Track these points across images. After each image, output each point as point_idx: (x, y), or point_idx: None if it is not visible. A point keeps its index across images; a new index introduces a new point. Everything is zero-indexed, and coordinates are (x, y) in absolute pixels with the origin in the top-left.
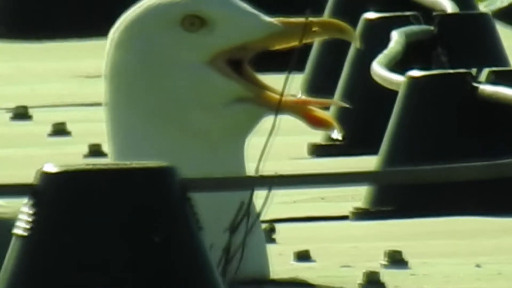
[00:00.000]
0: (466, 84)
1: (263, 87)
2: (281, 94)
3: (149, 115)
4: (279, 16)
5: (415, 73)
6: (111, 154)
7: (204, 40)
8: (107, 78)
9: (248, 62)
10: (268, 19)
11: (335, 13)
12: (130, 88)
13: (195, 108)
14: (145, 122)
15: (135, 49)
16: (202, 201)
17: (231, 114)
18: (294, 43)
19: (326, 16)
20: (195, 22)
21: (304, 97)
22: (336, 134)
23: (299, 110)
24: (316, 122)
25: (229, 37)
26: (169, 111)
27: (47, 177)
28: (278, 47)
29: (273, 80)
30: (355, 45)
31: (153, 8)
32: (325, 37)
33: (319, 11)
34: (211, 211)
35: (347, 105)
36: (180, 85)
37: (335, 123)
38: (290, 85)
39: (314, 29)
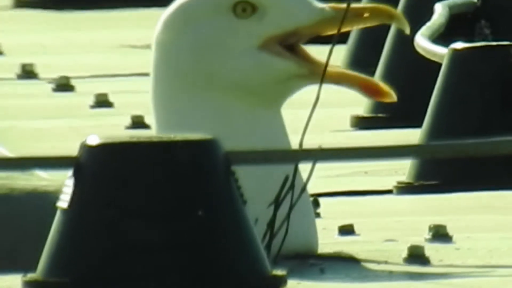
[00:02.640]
0: (509, 56)
1: (317, 63)
2: (325, 67)
3: (194, 93)
4: (327, 2)
5: (458, 45)
6: (154, 126)
7: (256, 26)
8: (156, 55)
9: (301, 44)
10: (319, 4)
11: None
12: (179, 68)
13: (246, 92)
14: (189, 97)
15: (185, 32)
16: (246, 174)
17: (283, 88)
18: (345, 29)
19: None
20: (246, 8)
21: (356, 73)
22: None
23: (352, 80)
24: (371, 91)
25: (280, 23)
26: (215, 94)
27: (90, 149)
28: (329, 32)
29: (317, 51)
30: (405, 31)
31: None
32: (375, 23)
33: None
34: (255, 185)
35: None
36: (231, 70)
37: (391, 91)
38: (334, 58)
39: (365, 15)
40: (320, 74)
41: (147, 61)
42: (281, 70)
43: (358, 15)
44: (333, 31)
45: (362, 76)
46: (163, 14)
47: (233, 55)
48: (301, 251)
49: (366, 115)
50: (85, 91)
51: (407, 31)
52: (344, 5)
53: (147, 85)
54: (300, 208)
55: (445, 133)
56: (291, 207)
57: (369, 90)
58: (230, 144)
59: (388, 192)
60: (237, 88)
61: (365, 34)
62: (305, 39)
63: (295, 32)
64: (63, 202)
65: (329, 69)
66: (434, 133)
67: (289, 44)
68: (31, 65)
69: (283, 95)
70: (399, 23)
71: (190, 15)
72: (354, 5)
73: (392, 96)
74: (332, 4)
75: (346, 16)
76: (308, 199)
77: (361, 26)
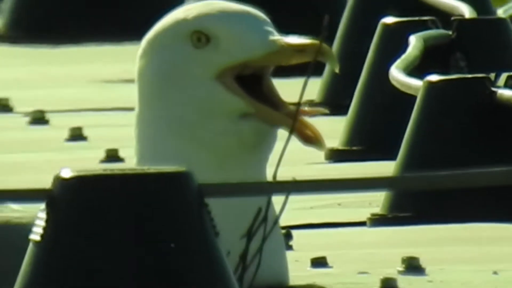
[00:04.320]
0: (484, 88)
1: (276, 102)
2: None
3: (161, 125)
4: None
5: (433, 77)
6: (136, 158)
7: (210, 56)
8: (136, 83)
9: (268, 75)
10: (271, 37)
11: (353, 18)
12: (148, 95)
13: (202, 121)
14: (157, 131)
15: (154, 60)
16: (218, 206)
17: (237, 129)
18: (293, 62)
19: (343, 23)
20: (201, 38)
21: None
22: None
23: (289, 126)
24: (305, 138)
25: (231, 54)
26: (179, 124)
27: (63, 182)
28: (277, 65)
29: (293, 84)
30: (335, 70)
31: (170, 22)
32: (307, 59)
33: (337, 16)
34: (228, 217)
35: (326, 111)
36: (189, 99)
37: (322, 140)
38: (308, 89)
39: (300, 50)
40: (265, 115)
41: (121, 95)
42: (230, 105)
43: (293, 50)
44: (283, 63)
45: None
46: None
47: (190, 83)
48: (273, 284)
49: (340, 147)
50: (60, 125)
51: (337, 69)
52: (297, 41)
53: (121, 119)
54: (271, 241)
55: (419, 165)
56: (263, 240)
57: (302, 136)
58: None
59: (362, 224)
60: (195, 119)
61: (340, 66)
62: (263, 71)
63: (245, 64)
64: (36, 234)
65: (270, 110)
66: (408, 165)
67: (257, 78)
68: (6, 99)
69: (242, 139)
70: (329, 61)
71: (157, 43)
72: (291, 41)
73: (323, 145)
74: (288, 38)
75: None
76: (279, 231)
77: (297, 62)
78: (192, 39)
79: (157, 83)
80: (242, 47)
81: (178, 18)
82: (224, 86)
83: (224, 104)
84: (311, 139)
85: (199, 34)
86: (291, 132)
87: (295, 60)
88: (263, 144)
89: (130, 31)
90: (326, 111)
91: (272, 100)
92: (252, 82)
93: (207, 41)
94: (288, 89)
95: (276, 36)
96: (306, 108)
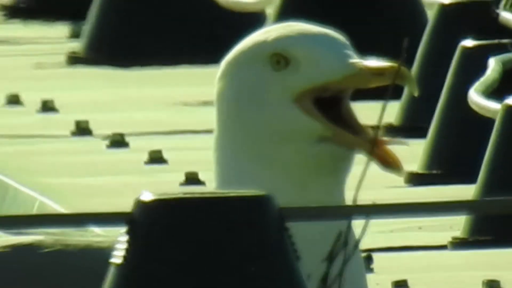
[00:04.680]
0: None
1: (354, 126)
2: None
3: (241, 148)
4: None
5: None
6: (215, 181)
7: (289, 78)
8: (215, 106)
9: (347, 98)
10: (350, 60)
11: (432, 40)
12: (226, 119)
13: (282, 146)
14: (237, 154)
15: (232, 82)
16: (299, 230)
17: (315, 153)
18: (372, 85)
19: (423, 46)
20: (280, 61)
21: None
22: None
23: (368, 151)
24: (385, 163)
25: (310, 77)
26: (259, 146)
27: (144, 205)
28: (357, 88)
29: (371, 108)
30: (414, 94)
31: (250, 44)
32: (387, 83)
33: (416, 41)
34: (308, 241)
35: (407, 144)
36: (268, 122)
37: (401, 165)
38: (387, 113)
39: (379, 74)
40: (343, 139)
41: (201, 118)
42: (308, 128)
43: (374, 74)
44: (363, 87)
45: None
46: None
47: (269, 106)
48: None
49: (420, 171)
50: (140, 148)
51: (416, 93)
52: (378, 64)
53: (201, 142)
54: (352, 264)
55: (500, 189)
56: (344, 263)
57: (381, 160)
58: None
59: (443, 247)
60: (273, 142)
61: (419, 89)
62: (342, 94)
63: (325, 87)
64: (117, 258)
65: (348, 134)
66: (488, 188)
67: (336, 101)
68: (85, 122)
69: (320, 163)
70: (408, 84)
71: (236, 65)
72: (369, 64)
73: (401, 171)
74: (368, 61)
75: (365, 74)
76: (360, 254)
77: (375, 85)
78: (271, 62)
79: (235, 106)
80: (321, 70)
81: (257, 41)
82: (302, 109)
83: (302, 128)
84: (390, 164)
85: (278, 56)
86: (370, 157)
87: (374, 83)
88: (341, 168)
89: (209, 53)
90: (407, 144)
91: (350, 124)
92: (330, 105)
93: (286, 63)
94: (366, 112)
95: (356, 59)
96: (386, 138)
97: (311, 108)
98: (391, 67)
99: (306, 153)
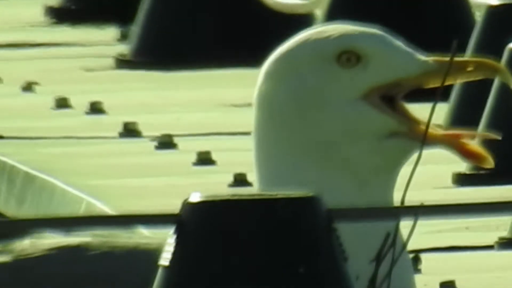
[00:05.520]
0: None
1: (416, 121)
2: (427, 126)
3: (295, 148)
4: (425, 52)
5: None
6: (257, 183)
7: (359, 76)
8: (257, 107)
9: (402, 97)
10: (422, 57)
11: (480, 43)
12: (279, 119)
13: (348, 143)
14: (292, 154)
15: (287, 81)
16: (347, 231)
17: (385, 148)
18: (448, 83)
19: (471, 46)
20: (351, 58)
21: (453, 131)
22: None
23: (452, 143)
24: (470, 155)
25: (383, 73)
26: (318, 145)
27: (192, 207)
28: (431, 85)
29: (417, 109)
30: (510, 85)
31: (310, 42)
32: (479, 77)
33: (464, 40)
34: (356, 241)
35: (497, 137)
36: (333, 120)
37: (489, 156)
38: (435, 115)
39: (468, 68)
40: (420, 133)
41: (249, 119)
42: (379, 124)
43: (461, 68)
44: (436, 84)
45: (459, 135)
46: (264, 65)
47: (335, 104)
48: None
49: (468, 172)
50: (188, 149)
51: (511, 84)
52: (447, 58)
53: (249, 143)
54: (400, 265)
55: None
56: (392, 264)
57: (467, 154)
58: (333, 204)
59: (490, 247)
60: (337, 142)
61: (467, 92)
62: (406, 90)
63: (397, 83)
64: (165, 259)
65: (429, 130)
66: None
67: (390, 97)
68: (133, 123)
69: (386, 159)
70: (504, 78)
71: (292, 64)
72: (458, 58)
73: (490, 162)
74: (436, 57)
75: (450, 69)
76: (408, 255)
77: (464, 80)
78: (340, 59)
79: (293, 106)
80: (395, 67)
81: (320, 38)
82: (372, 105)
83: (373, 123)
84: (477, 156)
85: (349, 53)
86: (453, 150)
87: (454, 80)
88: (403, 164)
89: (257, 55)
90: (499, 137)
91: (414, 119)
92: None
93: (357, 61)
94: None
95: (427, 57)
96: (468, 132)
97: (381, 104)
98: (478, 60)
99: (375, 149)
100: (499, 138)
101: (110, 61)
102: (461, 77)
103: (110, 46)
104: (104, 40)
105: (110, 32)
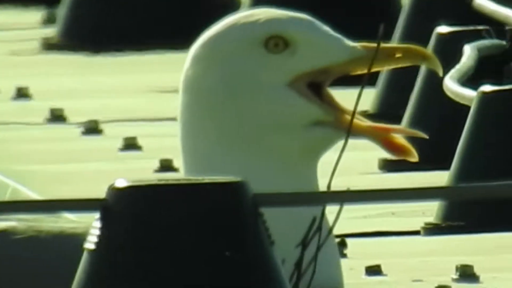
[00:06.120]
0: None
1: (342, 110)
2: (352, 116)
3: (223, 133)
4: (352, 38)
5: (487, 88)
6: (183, 169)
7: (287, 62)
8: (183, 92)
9: (328, 85)
10: (351, 43)
11: (408, 28)
12: (206, 104)
13: (273, 129)
14: (219, 139)
15: (214, 66)
16: (273, 216)
17: (310, 136)
18: (376, 69)
19: (398, 32)
20: (279, 43)
21: (380, 124)
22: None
23: (377, 135)
24: (394, 148)
25: (311, 60)
26: (245, 130)
27: (118, 192)
28: (359, 72)
29: (344, 95)
30: (438, 73)
31: (237, 27)
32: (407, 64)
33: (391, 26)
34: (283, 226)
35: (425, 136)
36: (259, 105)
37: (413, 150)
38: (362, 101)
39: (397, 55)
40: (346, 123)
41: (175, 105)
42: (306, 113)
43: (390, 55)
44: (364, 71)
45: (386, 129)
46: (191, 49)
47: (262, 90)
48: None
49: (394, 158)
50: (114, 135)
51: (440, 72)
52: (375, 44)
53: (175, 129)
54: (326, 249)
55: (473, 175)
56: (318, 248)
57: (392, 147)
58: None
59: (416, 233)
60: (263, 127)
61: (394, 77)
62: (334, 77)
63: (326, 70)
64: (90, 243)
65: (355, 120)
66: (462, 175)
67: (316, 85)
68: (60, 109)
69: (311, 147)
70: (432, 64)
71: (219, 48)
72: (386, 45)
73: (414, 156)
74: (364, 44)
75: (377, 55)
76: (333, 240)
77: (393, 66)
78: (268, 44)
79: (221, 91)
80: (323, 53)
81: (248, 23)
82: (299, 93)
83: (299, 112)
84: (402, 149)
85: (277, 39)
86: (379, 143)
87: (387, 66)
88: (325, 151)
89: (183, 39)
90: (426, 136)
91: (339, 108)
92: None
93: (285, 46)
94: (341, 99)
95: (356, 44)
96: (397, 127)
97: (308, 92)
98: (409, 48)
99: (301, 137)
100: (426, 137)
101: (36, 45)
102: (390, 63)
103: (35, 29)
104: (30, 22)
105: (36, 15)
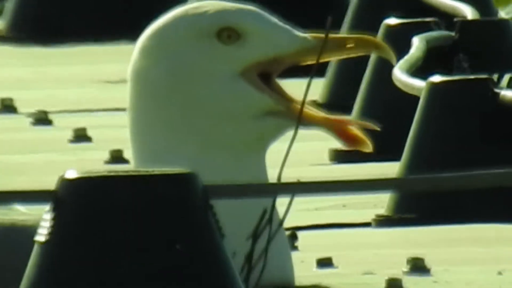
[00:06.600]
0: (487, 89)
1: (292, 100)
2: (302, 106)
3: (172, 124)
4: (299, 28)
5: (436, 78)
6: (133, 160)
7: (238, 52)
8: (132, 84)
9: (277, 75)
10: (301, 33)
11: (356, 19)
12: (155, 95)
13: (223, 119)
14: (168, 130)
15: (163, 57)
16: (224, 208)
17: (261, 126)
18: (327, 59)
19: (346, 23)
20: (231, 35)
21: (333, 116)
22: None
23: (331, 126)
24: (349, 139)
25: (261, 50)
26: (195, 121)
27: (68, 183)
28: (309, 61)
29: (294, 85)
30: (391, 62)
31: (186, 18)
32: (360, 53)
33: (340, 17)
34: (233, 218)
35: (377, 127)
36: (210, 96)
37: (368, 141)
38: (311, 91)
39: (349, 45)
40: (296, 113)
41: (124, 95)
42: (257, 102)
43: (341, 45)
44: (314, 61)
45: (339, 120)
46: (138, 40)
47: (212, 80)
48: (278, 284)
49: (344, 148)
50: (64, 126)
51: (394, 61)
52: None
53: (125, 119)
54: (277, 242)
55: (423, 167)
56: (269, 241)
57: (346, 138)
58: (208, 180)
59: (367, 225)
60: (214, 118)
61: (343, 67)
62: (284, 67)
63: (276, 60)
64: (41, 235)
65: (305, 110)
66: (413, 166)
67: (265, 75)
68: (9, 99)
69: (262, 137)
70: (385, 54)
71: (168, 40)
72: (337, 35)
73: (368, 146)
74: (314, 34)
75: (327, 45)
76: (284, 232)
77: (344, 56)
78: (221, 36)
79: (169, 82)
80: (273, 43)
81: (198, 14)
82: (249, 83)
83: (250, 102)
84: (356, 140)
85: (229, 30)
86: (332, 133)
87: (338, 55)
88: (274, 141)
89: (131, 30)
90: (378, 128)
91: (289, 98)
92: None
93: (237, 37)
94: (289, 89)
95: (307, 34)
96: (351, 119)
97: (258, 82)
98: (358, 37)
99: (252, 127)
100: (378, 129)
101: None
102: (341, 53)
103: None
104: None
105: None
